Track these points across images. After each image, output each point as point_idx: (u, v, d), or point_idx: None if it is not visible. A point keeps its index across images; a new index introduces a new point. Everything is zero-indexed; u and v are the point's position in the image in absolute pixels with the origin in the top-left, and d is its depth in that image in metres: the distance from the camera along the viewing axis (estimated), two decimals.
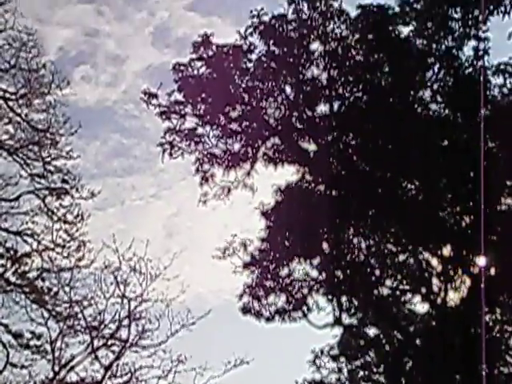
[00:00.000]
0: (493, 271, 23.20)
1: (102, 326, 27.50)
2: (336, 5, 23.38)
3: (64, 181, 25.76)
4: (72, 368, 27.25)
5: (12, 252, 25.56)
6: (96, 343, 27.38)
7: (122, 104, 41.95)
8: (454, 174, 22.28)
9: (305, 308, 24.64)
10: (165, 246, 36.57)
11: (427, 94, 22.92)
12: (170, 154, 23.70)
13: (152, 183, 44.62)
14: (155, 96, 23.41)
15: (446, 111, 22.94)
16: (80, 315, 27.29)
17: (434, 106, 22.98)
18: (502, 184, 22.70)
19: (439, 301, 24.05)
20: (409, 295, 24.48)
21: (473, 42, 22.39)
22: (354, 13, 23.34)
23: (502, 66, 22.46)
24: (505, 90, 22.62)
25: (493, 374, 25.19)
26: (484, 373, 24.85)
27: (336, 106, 22.80)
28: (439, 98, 22.84)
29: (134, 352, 27.63)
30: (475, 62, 22.49)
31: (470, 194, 21.63)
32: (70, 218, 25.86)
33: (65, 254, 25.86)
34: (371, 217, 23.32)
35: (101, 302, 27.28)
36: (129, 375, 27.37)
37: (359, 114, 22.28)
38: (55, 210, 25.81)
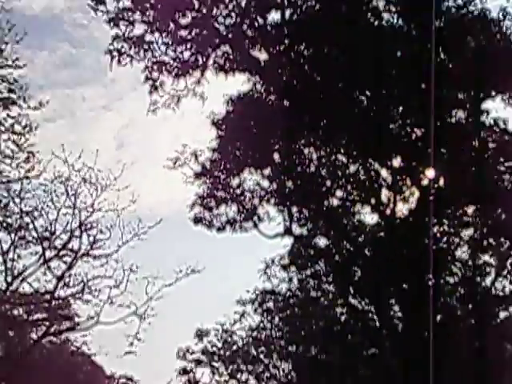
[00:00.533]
0: (441, 183, 24.07)
1: (54, 237, 28.01)
2: None
3: (10, 90, 25.54)
4: (24, 279, 27.89)
5: None
6: (48, 254, 27.98)
7: (70, 12, 40.82)
8: (406, 86, 22.69)
9: (255, 218, 25.38)
10: (116, 158, 36.81)
11: (381, 3, 22.96)
12: (119, 62, 23.48)
13: (103, 94, 44.24)
14: (103, 2, 22.98)
15: (400, 22, 23.11)
16: (31, 226, 27.72)
17: (386, 16, 23.09)
18: (452, 97, 23.25)
19: (388, 212, 24.90)
20: (358, 206, 25.21)
21: None
22: None
23: None
24: (459, 2, 22.81)
25: (439, 283, 26.61)
26: (430, 283, 26.28)
27: (288, 14, 22.73)
28: (392, 8, 22.93)
29: (85, 262, 28.36)
30: None
31: (421, 107, 22.08)
32: (18, 128, 25.83)
33: (13, 165, 25.99)
34: (322, 128, 23.75)
35: (51, 212, 27.70)
36: (81, 285, 28.14)
37: (311, 22, 22.26)
38: (2, 121, 25.73)
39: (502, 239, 27.55)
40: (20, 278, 28.09)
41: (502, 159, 25.40)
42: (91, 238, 28.11)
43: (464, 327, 29.89)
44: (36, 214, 27.78)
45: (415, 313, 25.51)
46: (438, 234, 25.58)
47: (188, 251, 34.99)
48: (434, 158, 21.45)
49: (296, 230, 25.50)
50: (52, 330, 29.37)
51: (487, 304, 30.04)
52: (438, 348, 28.04)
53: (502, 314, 32.98)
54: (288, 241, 26.53)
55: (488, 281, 30.47)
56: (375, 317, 27.21)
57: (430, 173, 23.31)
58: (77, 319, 29.69)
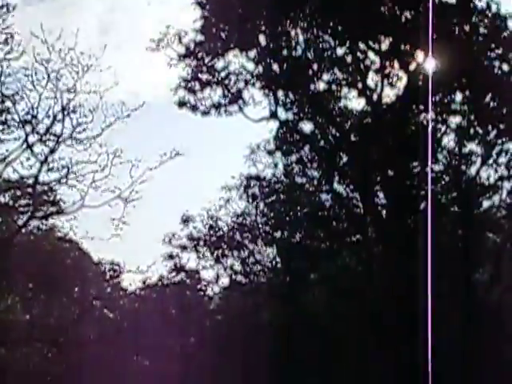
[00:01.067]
0: (430, 72, 24.17)
1: (36, 122, 28.10)
2: None
3: None
4: (8, 164, 28.24)
5: None
6: (31, 139, 28.13)
7: None
8: None
9: (241, 102, 25.64)
10: (100, 43, 36.29)
11: None
12: None
13: None
14: None
15: None
16: (13, 110, 27.77)
17: None
18: None
19: (375, 97, 25.21)
20: (345, 90, 25.45)
21: None
22: None
23: None
24: None
25: (424, 171, 27.27)
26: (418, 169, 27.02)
27: None
28: None
29: (69, 146, 28.55)
30: None
31: None
32: None
33: None
34: (310, 9, 23.65)
35: (33, 96, 27.66)
36: (65, 170, 28.49)
37: None
38: None
39: (490, 127, 27.96)
40: (4, 164, 28.42)
41: (493, 45, 25.45)
42: (74, 122, 28.14)
43: (448, 216, 30.77)
44: (17, 97, 27.74)
45: (400, 200, 26.30)
46: (425, 122, 26.04)
47: (172, 136, 35.34)
48: (424, 41, 21.53)
49: (282, 114, 25.84)
50: (37, 214, 29.98)
51: (472, 192, 30.93)
52: (422, 236, 29.02)
53: (486, 203, 34.02)
54: (273, 125, 26.87)
55: (473, 170, 31.28)
56: (360, 203, 27.98)
57: (419, 57, 23.45)
58: (62, 205, 30.28)
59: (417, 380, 28.80)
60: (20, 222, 30.06)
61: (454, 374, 27.92)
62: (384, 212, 27.42)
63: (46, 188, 29.62)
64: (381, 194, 27.46)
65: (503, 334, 35.02)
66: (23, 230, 28.04)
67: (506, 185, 34.30)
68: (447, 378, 26.38)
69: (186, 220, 34.20)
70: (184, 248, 34.61)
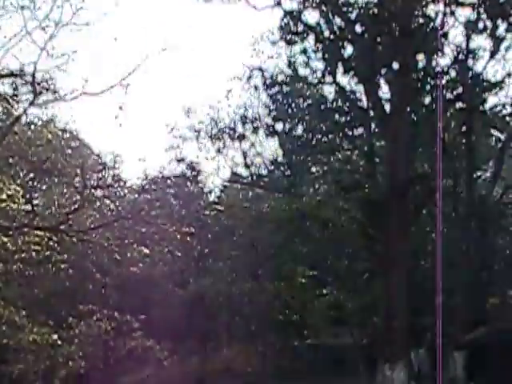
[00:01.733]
0: None
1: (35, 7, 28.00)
2: None
3: None
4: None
5: None
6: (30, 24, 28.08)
7: None
8: None
9: None
10: None
11: None
12: None
13: None
14: None
15: None
16: None
17: None
18: None
19: None
20: None
21: None
22: None
23: None
24: None
25: (430, 64, 27.44)
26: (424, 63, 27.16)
27: None
28: None
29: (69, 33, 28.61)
30: None
31: None
32: None
33: None
34: None
35: None
36: (65, 57, 28.64)
37: None
38: None
39: (499, 21, 27.84)
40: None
41: None
42: (74, 8, 28.10)
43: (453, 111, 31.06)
44: None
45: (405, 94, 26.47)
46: (433, 14, 26.02)
47: (175, 27, 35.17)
48: None
49: (286, 2, 25.77)
50: (37, 102, 30.30)
51: (477, 88, 31.15)
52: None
53: (492, 100, 34.31)
54: (277, 14, 26.80)
55: (480, 65, 31.38)
56: (364, 97, 28.30)
57: None
58: (62, 93, 30.51)
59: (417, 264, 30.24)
60: (20, 111, 30.49)
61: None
62: (388, 106, 27.63)
63: (45, 76, 29.83)
64: (385, 88, 27.70)
65: (502, 232, 36.34)
66: (23, 120, 28.43)
67: None
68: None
69: (188, 111, 34.55)
70: (185, 139, 35.12)
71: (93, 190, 25.94)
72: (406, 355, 21.33)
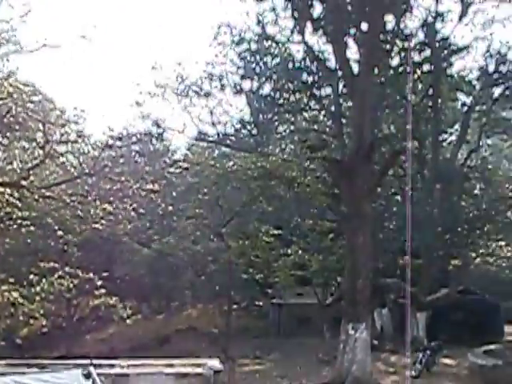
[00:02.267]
0: None
1: None
2: None
3: None
4: None
5: None
6: None
7: None
8: None
9: None
10: None
11: None
12: None
13: None
14: None
15: None
16: None
17: None
18: None
19: None
20: None
21: None
22: None
23: None
24: None
25: (399, 26, 27.33)
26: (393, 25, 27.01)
27: None
28: None
29: None
30: None
31: None
32: None
33: None
34: None
35: None
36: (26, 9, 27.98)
37: None
38: None
39: None
40: None
41: None
42: None
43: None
44: None
45: (373, 55, 26.33)
46: None
47: None
48: None
49: None
50: None
51: (445, 52, 31.26)
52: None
53: (459, 64, 34.52)
54: None
55: (449, 28, 31.46)
56: (332, 57, 28.15)
57: None
58: (23, 44, 29.91)
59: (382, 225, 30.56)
60: None
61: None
62: (356, 67, 27.53)
63: (5, 27, 29.18)
64: (354, 48, 27.58)
65: (466, 195, 36.77)
66: None
67: (481, 45, 34.71)
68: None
69: (154, 67, 34.01)
70: (151, 95, 34.63)
71: (55, 146, 25.63)
72: (369, 315, 21.61)
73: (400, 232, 35.60)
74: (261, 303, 39.80)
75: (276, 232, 28.23)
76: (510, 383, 20.05)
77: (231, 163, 29.27)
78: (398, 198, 35.50)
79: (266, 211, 31.38)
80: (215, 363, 17.22)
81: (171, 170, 34.19)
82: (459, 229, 35.87)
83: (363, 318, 20.79)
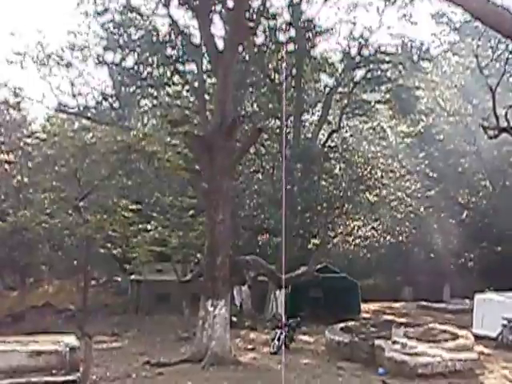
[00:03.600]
0: None
1: None
2: None
3: None
4: None
5: None
6: None
7: None
8: None
9: None
10: None
11: None
12: None
13: None
14: None
15: None
16: None
17: None
18: None
19: None
20: None
21: None
22: None
23: None
24: None
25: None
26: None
27: None
28: None
29: None
30: None
31: None
32: None
33: None
34: None
35: None
36: None
37: None
38: None
39: None
40: None
41: None
42: None
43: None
44: None
45: (237, 32, 26.51)
46: None
47: None
48: None
49: None
50: None
51: (310, 32, 32.01)
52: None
53: (323, 46, 35.44)
54: None
55: (314, 10, 32.29)
56: (197, 32, 28.18)
57: None
58: None
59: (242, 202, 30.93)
60: None
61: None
62: (221, 44, 27.65)
63: None
64: (219, 25, 27.68)
65: (326, 174, 38.02)
66: None
67: (345, 29, 35.82)
68: None
69: (12, 33, 32.69)
70: (9, 63, 33.32)
71: None
72: (228, 292, 21.86)
73: (261, 209, 36.49)
74: (119, 279, 39.47)
75: (135, 207, 27.98)
76: (364, 358, 21.04)
77: (90, 135, 28.66)
78: (260, 176, 36.22)
79: (126, 186, 31.09)
80: (71, 340, 16.94)
81: (28, 140, 33.09)
82: (319, 208, 37.07)
83: (222, 294, 20.97)
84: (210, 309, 20.82)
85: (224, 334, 20.82)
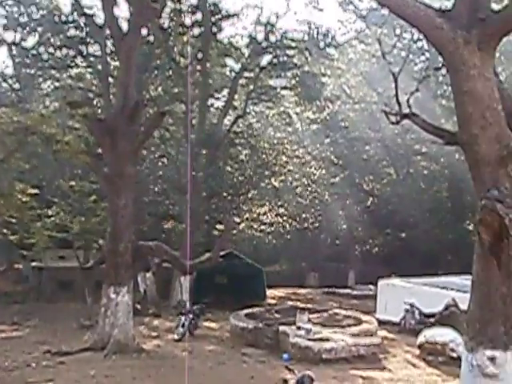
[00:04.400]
0: None
1: None
2: None
3: None
4: None
5: None
6: None
7: None
8: None
9: None
10: None
11: None
12: None
13: None
14: None
15: None
16: None
17: None
18: None
19: None
20: None
21: None
22: None
23: None
24: None
25: None
26: None
27: None
28: None
29: None
30: None
31: None
32: None
33: None
34: None
35: None
36: None
37: None
38: None
39: None
40: None
41: None
42: None
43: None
44: None
45: (138, 15, 26.27)
46: None
47: None
48: None
49: None
50: None
51: (216, 16, 32.00)
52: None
53: (228, 31, 35.40)
54: None
55: None
56: (101, 13, 27.71)
57: None
58: None
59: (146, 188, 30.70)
60: None
61: None
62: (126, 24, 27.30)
63: None
64: (124, 6, 27.33)
65: (231, 160, 38.24)
66: None
67: (252, 14, 36.01)
68: None
69: None
70: None
71: None
72: (131, 279, 21.71)
73: (166, 195, 36.40)
74: (21, 266, 38.54)
75: (34, 191, 27.33)
76: (269, 344, 21.36)
77: None
78: (165, 161, 36.06)
79: (24, 169, 30.36)
80: None
81: None
82: (224, 194, 37.28)
83: (125, 281, 20.82)
84: (113, 296, 20.66)
85: (127, 322, 20.72)
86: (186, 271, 27.81)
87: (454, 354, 19.54)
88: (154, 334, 24.70)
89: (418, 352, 21.49)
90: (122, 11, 27.12)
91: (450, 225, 43.61)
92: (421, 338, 21.39)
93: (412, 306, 25.51)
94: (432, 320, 23.74)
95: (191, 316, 23.94)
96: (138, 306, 27.60)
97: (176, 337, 23.17)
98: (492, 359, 10.09)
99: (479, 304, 10.41)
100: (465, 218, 42.11)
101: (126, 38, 22.36)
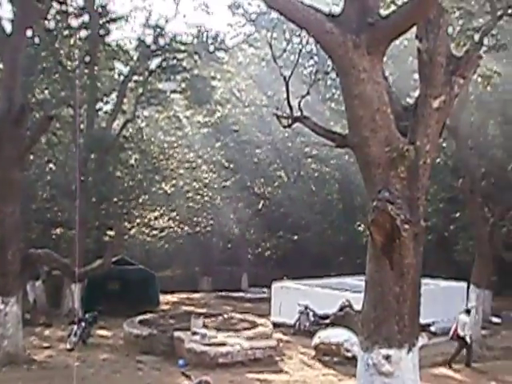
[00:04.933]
0: None
1: None
2: None
3: None
4: None
5: None
6: None
7: None
8: None
9: None
10: None
11: None
12: None
13: None
14: None
15: None
16: None
17: None
18: None
19: None
20: None
21: None
22: None
23: None
24: None
25: None
26: None
27: None
28: None
29: None
30: None
31: None
32: None
33: None
34: None
35: None
36: None
37: None
38: None
39: None
40: None
41: None
42: None
43: None
44: None
45: None
46: None
47: None
48: None
49: None
50: None
51: (104, 18, 31.67)
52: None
53: (117, 33, 35.15)
54: None
55: None
56: None
57: None
58: None
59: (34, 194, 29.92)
60: None
61: None
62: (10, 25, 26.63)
63: None
64: (8, 7, 26.62)
65: (121, 165, 37.78)
66: None
67: (140, 16, 35.76)
68: None
69: None
70: None
71: None
72: (20, 288, 21.21)
73: (55, 202, 35.59)
74: None
75: None
76: (164, 351, 21.37)
77: None
78: (52, 166, 35.26)
79: None
80: None
81: None
82: (115, 199, 36.82)
83: (14, 291, 20.36)
84: (1, 306, 20.17)
85: (16, 333, 20.29)
86: (75, 279, 27.37)
87: (349, 354, 20.18)
88: (46, 344, 24.19)
89: (313, 353, 22.02)
90: (6, 11, 26.34)
91: (341, 226, 44.78)
92: (316, 340, 21.93)
93: (306, 307, 26.06)
94: (327, 321, 24.34)
95: (83, 324, 23.60)
96: (28, 316, 26.97)
97: (68, 346, 22.76)
98: (387, 358, 10.36)
99: (373, 304, 10.67)
100: (355, 220, 43.25)
101: (10, 40, 21.86)
